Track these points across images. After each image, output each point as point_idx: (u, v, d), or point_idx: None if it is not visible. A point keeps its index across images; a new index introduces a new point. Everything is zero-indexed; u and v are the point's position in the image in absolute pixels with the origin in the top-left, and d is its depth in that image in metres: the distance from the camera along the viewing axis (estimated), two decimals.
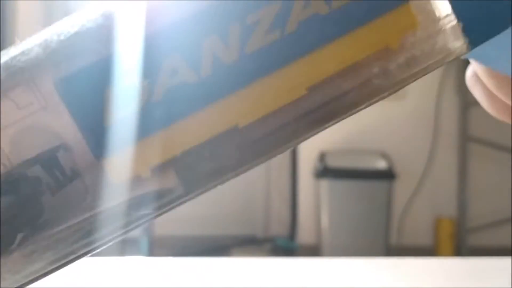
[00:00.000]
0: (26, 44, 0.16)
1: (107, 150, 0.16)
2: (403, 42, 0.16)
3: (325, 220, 1.82)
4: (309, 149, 1.95)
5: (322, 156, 1.89)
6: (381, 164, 1.82)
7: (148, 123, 0.16)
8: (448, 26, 0.16)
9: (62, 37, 0.16)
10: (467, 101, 1.87)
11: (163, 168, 0.16)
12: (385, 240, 1.82)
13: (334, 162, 1.83)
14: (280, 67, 0.16)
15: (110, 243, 0.17)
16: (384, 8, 0.16)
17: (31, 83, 0.16)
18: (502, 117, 0.22)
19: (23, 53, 0.16)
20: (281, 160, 2.00)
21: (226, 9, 0.16)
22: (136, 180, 0.16)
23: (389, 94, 0.17)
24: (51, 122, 0.16)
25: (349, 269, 0.50)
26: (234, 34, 0.16)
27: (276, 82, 0.16)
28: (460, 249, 1.93)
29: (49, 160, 0.16)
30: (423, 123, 1.95)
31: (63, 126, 0.16)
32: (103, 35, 0.16)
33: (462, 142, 1.92)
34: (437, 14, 0.16)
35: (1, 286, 0.17)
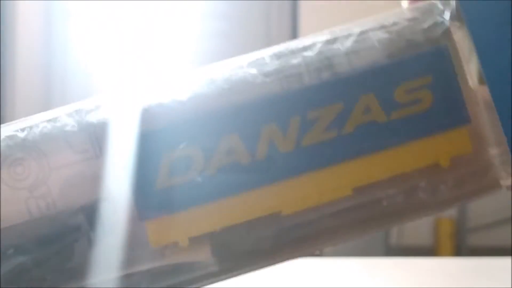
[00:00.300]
0: (98, 99, 0.17)
1: (153, 212, 0.16)
2: (454, 162, 0.17)
3: None
4: None
5: None
6: None
7: (197, 194, 0.16)
8: (500, 160, 0.17)
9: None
10: None
11: (200, 240, 0.17)
12: (385, 240, 1.81)
13: None
14: (331, 164, 0.17)
15: None
16: (441, 126, 0.17)
17: (92, 132, 0.17)
18: None
19: (96, 106, 0.17)
20: None
21: (290, 101, 0.17)
22: (173, 247, 0.16)
23: (433, 212, 0.17)
24: (102, 173, 0.16)
25: (349, 269, 0.50)
26: (294, 126, 0.17)
27: (325, 178, 0.17)
28: (460, 249, 1.93)
29: (93, 211, 0.16)
30: None
31: (114, 180, 0.16)
32: (169, 105, 0.17)
33: None
34: (491, 145, 0.17)
35: None
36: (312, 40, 0.18)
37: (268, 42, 2.06)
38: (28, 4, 1.88)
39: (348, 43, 0.18)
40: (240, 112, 0.17)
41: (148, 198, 0.16)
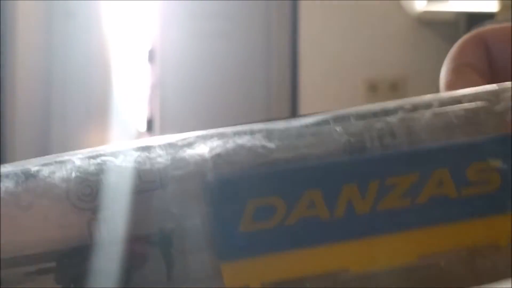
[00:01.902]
0: (186, 135, 0.18)
1: (232, 255, 0.17)
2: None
3: None
4: None
5: None
6: None
7: (274, 241, 0.17)
8: None
9: (228, 145, 0.18)
10: None
11: (274, 285, 0.17)
12: None
13: None
14: (402, 230, 0.18)
15: None
16: (505, 209, 0.18)
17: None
18: None
19: (189, 143, 0.18)
20: None
21: (372, 165, 0.18)
22: None
23: (490, 282, 0.18)
24: (168, 206, 0.17)
25: None
26: (372, 189, 0.17)
27: (395, 242, 0.18)
28: None
29: (163, 241, 0.17)
30: None
31: (192, 213, 0.17)
32: (260, 151, 0.18)
33: None
34: None
35: None
36: (393, 105, 0.18)
37: (268, 42, 2.07)
38: (28, 4, 1.88)
39: (428, 114, 0.18)
40: (325, 169, 0.18)
41: (228, 241, 0.17)
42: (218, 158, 0.18)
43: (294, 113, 2.03)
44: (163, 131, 2.04)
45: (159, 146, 0.18)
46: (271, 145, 0.18)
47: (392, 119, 0.18)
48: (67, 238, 0.16)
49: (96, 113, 2.06)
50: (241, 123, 0.19)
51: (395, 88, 2.01)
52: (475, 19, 1.81)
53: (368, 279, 0.18)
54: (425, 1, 1.90)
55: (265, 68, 2.07)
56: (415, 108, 0.18)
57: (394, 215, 0.18)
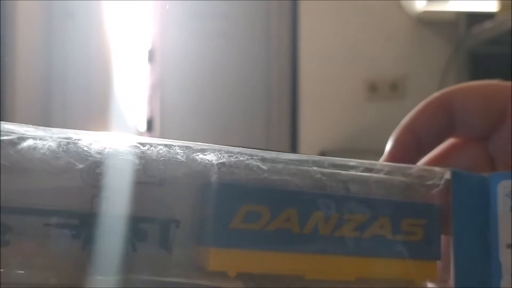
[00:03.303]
0: (202, 144, 0.22)
1: (219, 243, 0.21)
2: (424, 284, 0.24)
3: None
4: (309, 149, 1.95)
5: (322, 156, 1.89)
6: None
7: (255, 241, 0.22)
8: None
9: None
10: None
11: (240, 276, 0.21)
12: None
13: None
14: (348, 254, 0.23)
15: None
16: (423, 256, 0.24)
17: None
18: None
19: (202, 150, 0.22)
20: None
21: (337, 202, 0.23)
22: (220, 274, 0.21)
23: None
24: (167, 200, 0.21)
25: None
26: (333, 219, 0.23)
27: (341, 262, 0.23)
28: None
29: (163, 226, 0.21)
30: None
31: (180, 206, 0.21)
32: (261, 168, 0.23)
33: None
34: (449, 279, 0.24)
35: None
36: (357, 163, 0.24)
37: (268, 42, 2.07)
38: (28, 4, 1.88)
39: (379, 176, 0.24)
40: (302, 195, 0.22)
41: (220, 232, 0.21)
42: (222, 166, 0.22)
43: (294, 113, 2.03)
44: (163, 131, 2.05)
45: (179, 146, 0.22)
46: (264, 166, 0.22)
47: (355, 172, 0.23)
48: (80, 205, 0.20)
49: (96, 113, 2.07)
50: (243, 147, 0.23)
51: (395, 88, 2.01)
52: (475, 19, 1.81)
53: (318, 285, 0.23)
54: (425, 1, 1.90)
55: (265, 68, 2.07)
56: (371, 168, 0.24)
57: (345, 242, 0.23)
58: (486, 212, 0.23)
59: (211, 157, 0.21)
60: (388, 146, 0.30)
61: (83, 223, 0.20)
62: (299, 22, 2.02)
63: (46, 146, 0.20)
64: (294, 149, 2.02)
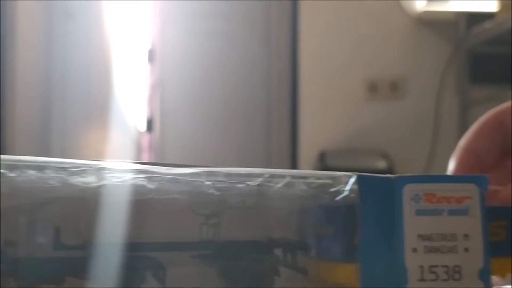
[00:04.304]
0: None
1: (339, 257, 0.24)
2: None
3: None
4: (309, 149, 1.95)
5: (322, 156, 1.89)
6: (381, 164, 1.82)
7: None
8: None
9: None
10: (467, 101, 1.87)
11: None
12: None
13: (334, 162, 1.83)
14: None
15: None
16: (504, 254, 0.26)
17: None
18: None
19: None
20: (281, 159, 2.00)
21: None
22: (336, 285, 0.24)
23: None
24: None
25: None
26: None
27: None
28: None
29: (293, 249, 0.23)
30: (423, 123, 1.95)
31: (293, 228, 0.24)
32: None
33: None
34: None
35: None
36: (256, 172, 0.23)
37: (268, 42, 2.07)
38: (28, 4, 1.88)
39: (280, 185, 0.23)
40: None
41: (346, 248, 0.23)
42: (104, 188, 0.22)
43: (294, 113, 2.03)
44: (163, 131, 2.04)
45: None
46: (151, 185, 0.22)
47: (253, 184, 0.23)
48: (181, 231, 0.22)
49: (96, 113, 2.07)
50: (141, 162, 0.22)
51: (395, 88, 2.01)
52: (475, 19, 1.81)
53: None
54: (425, 1, 1.90)
55: (265, 68, 2.07)
56: (271, 179, 0.23)
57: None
58: (392, 216, 0.23)
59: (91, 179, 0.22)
60: (451, 167, 0.31)
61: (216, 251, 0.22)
62: (299, 22, 2.02)
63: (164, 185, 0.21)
64: (294, 149, 2.02)
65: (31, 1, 1.92)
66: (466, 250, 0.23)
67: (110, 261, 0.21)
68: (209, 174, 0.23)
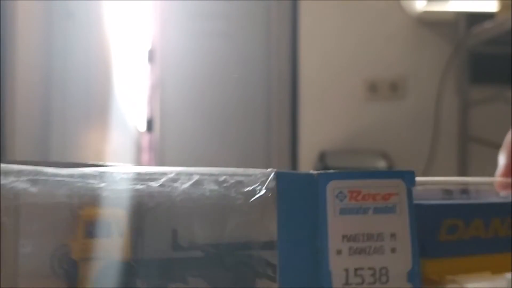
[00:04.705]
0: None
1: (434, 255, 0.25)
2: None
3: None
4: (309, 149, 1.95)
5: (322, 156, 1.89)
6: (381, 164, 1.82)
7: (454, 249, 0.25)
8: None
9: None
10: (467, 101, 1.87)
11: (450, 280, 0.25)
12: None
13: (334, 162, 1.83)
14: None
15: None
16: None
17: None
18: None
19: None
20: (281, 160, 2.00)
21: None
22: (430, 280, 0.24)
23: None
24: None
25: None
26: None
27: None
28: None
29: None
30: (423, 123, 1.95)
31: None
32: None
33: (462, 142, 1.92)
34: None
35: None
36: (160, 171, 0.22)
37: (268, 42, 2.07)
38: (28, 4, 1.88)
39: (187, 184, 0.22)
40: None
41: (432, 246, 0.24)
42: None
43: (294, 113, 2.03)
44: (163, 131, 2.04)
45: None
46: (33, 189, 0.20)
47: (155, 183, 0.21)
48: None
49: (96, 113, 2.06)
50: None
51: (395, 88, 2.01)
52: (475, 19, 1.81)
53: None
54: (425, 1, 1.90)
55: (265, 68, 2.07)
56: (177, 178, 0.22)
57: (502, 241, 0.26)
58: (315, 216, 0.22)
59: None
60: (501, 161, 0.31)
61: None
62: (299, 22, 2.02)
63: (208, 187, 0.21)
64: (294, 149, 2.02)
65: (31, 1, 1.92)
66: (394, 250, 0.22)
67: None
68: (103, 175, 0.21)
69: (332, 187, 0.22)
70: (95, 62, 2.05)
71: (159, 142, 2.05)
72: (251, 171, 0.23)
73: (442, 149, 1.93)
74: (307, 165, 1.95)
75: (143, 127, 2.09)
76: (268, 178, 0.22)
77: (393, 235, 0.22)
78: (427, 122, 1.93)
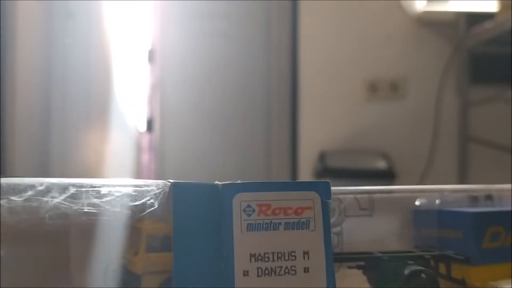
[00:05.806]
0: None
1: (479, 261, 0.25)
2: None
3: None
4: (309, 149, 1.95)
5: (322, 156, 1.89)
6: (381, 164, 1.82)
7: (499, 255, 0.26)
8: None
9: None
10: (467, 101, 1.87)
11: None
12: None
13: (334, 162, 1.83)
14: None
15: None
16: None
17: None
18: None
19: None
20: (281, 160, 2.00)
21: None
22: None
23: None
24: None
25: None
26: None
27: None
28: None
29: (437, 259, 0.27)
30: (423, 123, 1.95)
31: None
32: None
33: (462, 142, 1.92)
34: None
35: None
36: (26, 183, 0.19)
37: (268, 42, 2.06)
38: (28, 4, 1.88)
39: (61, 198, 0.19)
40: None
41: (476, 253, 0.24)
42: None
43: (294, 113, 2.03)
44: (163, 131, 2.04)
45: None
46: None
47: (18, 198, 0.18)
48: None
49: (96, 113, 2.06)
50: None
51: (395, 88, 2.01)
52: (475, 19, 1.81)
53: None
54: (425, 1, 1.90)
55: (265, 68, 2.07)
56: (48, 190, 0.19)
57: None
58: (219, 232, 0.19)
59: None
60: None
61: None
62: (299, 22, 2.02)
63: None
64: (294, 149, 2.02)
65: (31, 1, 1.92)
66: (307, 270, 0.19)
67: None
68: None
69: (239, 200, 0.19)
70: (95, 62, 2.05)
71: (159, 142, 2.05)
72: (142, 182, 0.20)
73: (442, 149, 1.93)
74: (307, 165, 1.95)
75: (143, 127, 2.09)
76: (162, 190, 0.20)
77: (306, 253, 0.19)
78: (427, 122, 1.93)
